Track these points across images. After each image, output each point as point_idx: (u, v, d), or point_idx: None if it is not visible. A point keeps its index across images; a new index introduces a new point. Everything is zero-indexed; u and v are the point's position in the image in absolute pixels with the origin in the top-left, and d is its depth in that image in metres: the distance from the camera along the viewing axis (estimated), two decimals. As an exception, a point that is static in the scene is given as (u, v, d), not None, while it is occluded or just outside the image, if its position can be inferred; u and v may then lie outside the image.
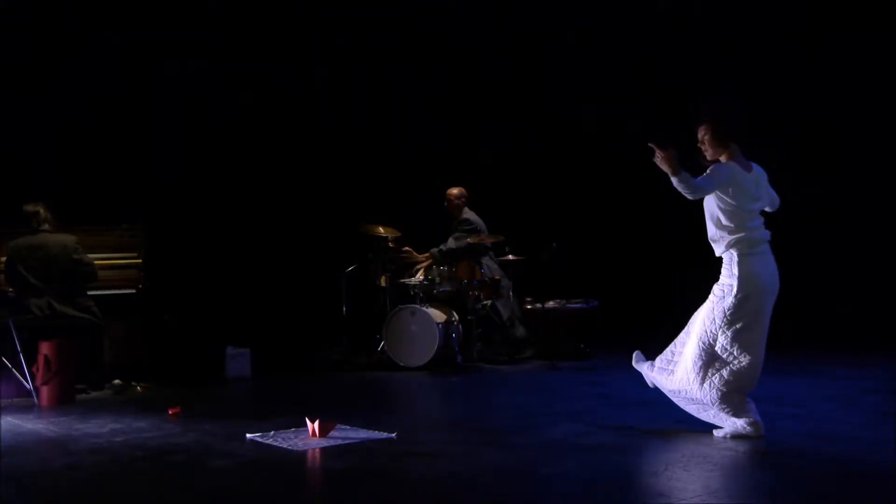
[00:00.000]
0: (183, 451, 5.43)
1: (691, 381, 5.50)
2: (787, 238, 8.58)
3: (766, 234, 5.50)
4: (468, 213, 9.51)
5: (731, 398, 5.40)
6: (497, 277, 9.25)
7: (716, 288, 5.50)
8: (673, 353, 5.69)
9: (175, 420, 6.37)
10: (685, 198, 5.45)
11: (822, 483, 4.58)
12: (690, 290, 5.99)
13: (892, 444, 5.27)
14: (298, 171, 10.95)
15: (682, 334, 5.68)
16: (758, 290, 5.38)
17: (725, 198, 5.41)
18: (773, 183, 5.63)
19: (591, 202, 11.51)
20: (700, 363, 5.47)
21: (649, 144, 5.33)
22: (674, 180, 5.33)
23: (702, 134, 5.55)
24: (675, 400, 5.68)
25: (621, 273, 11.36)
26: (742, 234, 5.40)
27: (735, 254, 5.41)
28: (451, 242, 9.24)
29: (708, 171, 5.44)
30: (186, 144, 10.38)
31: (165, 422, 6.31)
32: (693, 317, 5.62)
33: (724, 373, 5.40)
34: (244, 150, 10.68)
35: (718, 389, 5.41)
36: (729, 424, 5.43)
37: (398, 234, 9.29)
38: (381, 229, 9.21)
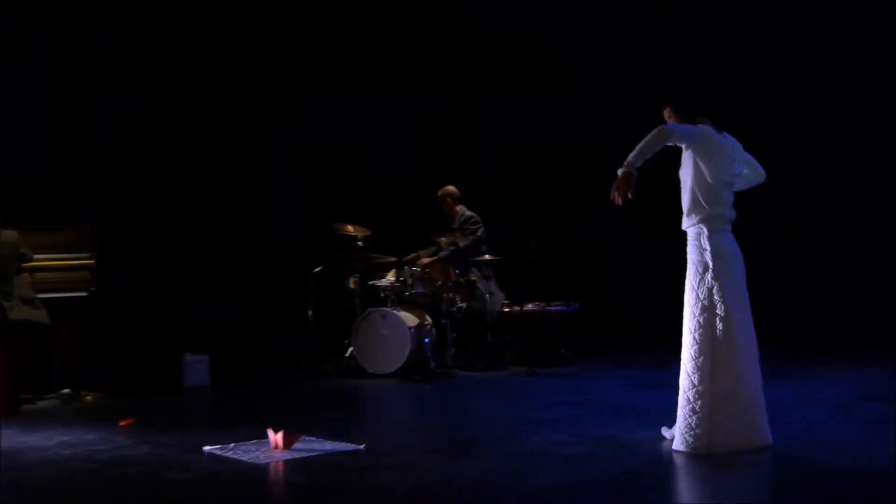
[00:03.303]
0: (136, 464, 5.42)
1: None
2: (775, 239, 8.69)
3: (734, 214, 5.62)
4: (468, 212, 9.62)
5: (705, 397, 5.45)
6: (473, 278, 9.31)
7: (688, 271, 5.58)
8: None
9: (127, 432, 6.36)
10: (669, 197, 5.57)
11: (816, 493, 4.63)
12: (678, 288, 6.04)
13: (886, 452, 5.32)
14: (262, 167, 10.93)
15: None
16: (729, 265, 5.49)
17: (704, 165, 5.51)
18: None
19: (571, 199, 11.59)
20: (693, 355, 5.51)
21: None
22: (638, 163, 5.37)
23: (667, 115, 5.72)
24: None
25: (604, 274, 11.41)
26: (717, 210, 5.52)
27: (704, 229, 5.51)
28: (450, 241, 9.32)
29: None
30: (145, 141, 10.39)
31: (117, 434, 6.30)
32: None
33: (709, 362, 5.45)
34: (203, 145, 10.67)
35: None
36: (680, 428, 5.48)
37: (368, 233, 9.32)
38: (350, 228, 9.23)
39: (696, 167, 5.54)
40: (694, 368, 5.43)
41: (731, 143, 5.67)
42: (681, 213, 5.66)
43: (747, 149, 5.78)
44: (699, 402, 5.38)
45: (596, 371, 8.82)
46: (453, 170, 10.78)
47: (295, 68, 10.94)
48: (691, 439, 5.37)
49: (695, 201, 5.55)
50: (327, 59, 11.04)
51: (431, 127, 11.37)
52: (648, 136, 5.41)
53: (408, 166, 10.96)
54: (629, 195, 5.33)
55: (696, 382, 5.41)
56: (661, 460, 5.36)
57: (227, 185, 10.75)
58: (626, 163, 5.36)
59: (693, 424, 5.37)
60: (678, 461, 5.28)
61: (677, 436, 5.46)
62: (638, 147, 5.39)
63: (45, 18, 9.71)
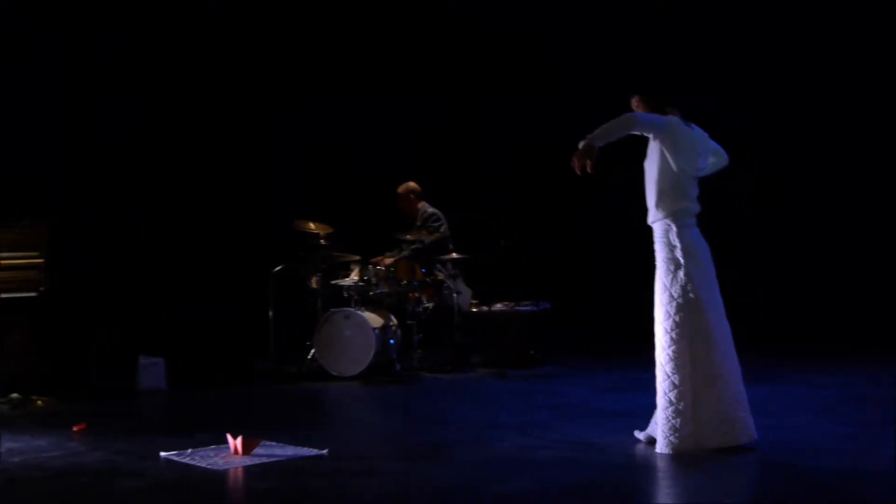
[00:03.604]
0: (89, 472, 5.32)
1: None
2: (756, 242, 8.68)
3: (699, 207, 5.59)
4: (431, 208, 9.55)
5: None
6: (440, 277, 9.22)
7: (657, 270, 5.54)
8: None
9: (80, 437, 6.24)
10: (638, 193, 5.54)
11: (800, 498, 4.59)
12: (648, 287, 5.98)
13: (871, 454, 5.31)
14: (220, 162, 10.83)
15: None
16: (700, 262, 5.47)
17: (671, 157, 5.48)
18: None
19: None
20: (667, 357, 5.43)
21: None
22: (600, 142, 5.35)
23: (635, 104, 5.69)
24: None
25: (575, 272, 11.42)
26: (684, 204, 5.49)
27: (672, 225, 5.47)
28: (415, 238, 9.23)
29: None
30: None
31: (69, 440, 6.18)
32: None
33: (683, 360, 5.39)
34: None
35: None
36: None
37: (330, 231, 9.20)
38: (311, 225, 9.12)
39: (663, 158, 5.51)
40: (673, 368, 5.37)
41: (698, 135, 5.64)
42: (645, 207, 5.63)
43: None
44: (682, 402, 5.32)
45: (567, 373, 8.79)
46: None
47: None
48: (676, 440, 5.31)
49: (661, 194, 5.52)
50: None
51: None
52: (615, 120, 5.43)
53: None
54: (588, 169, 5.29)
55: (676, 383, 5.35)
56: (635, 464, 5.32)
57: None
58: (588, 136, 5.33)
59: (678, 426, 5.32)
60: (655, 464, 5.22)
61: (660, 438, 5.38)
62: (603, 126, 5.38)
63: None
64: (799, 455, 5.36)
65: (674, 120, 5.55)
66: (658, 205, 5.52)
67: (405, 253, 9.35)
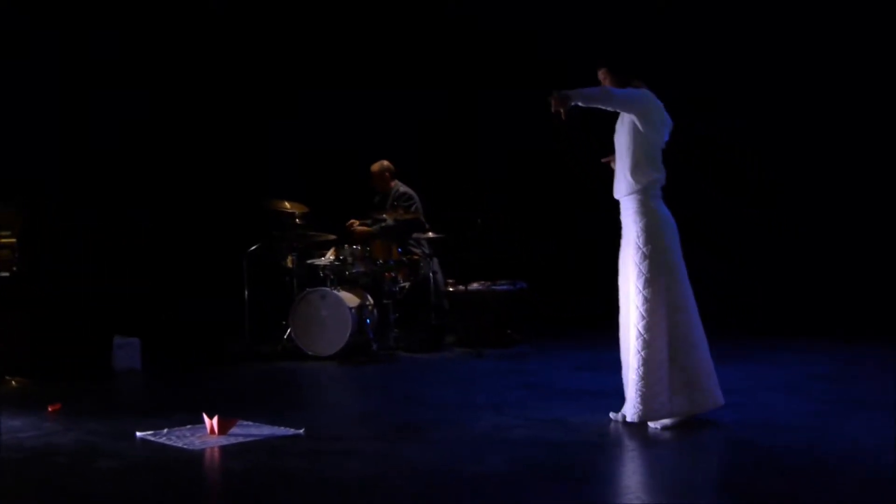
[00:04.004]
0: (65, 452, 5.32)
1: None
2: (728, 221, 8.72)
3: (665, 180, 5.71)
4: (403, 187, 9.56)
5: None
6: (416, 256, 9.24)
7: (631, 241, 5.60)
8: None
9: (55, 418, 6.23)
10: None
11: (768, 476, 4.64)
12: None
13: (840, 433, 5.40)
14: (193, 139, 10.81)
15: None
16: (670, 234, 5.58)
17: (644, 129, 5.56)
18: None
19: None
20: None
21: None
22: (579, 102, 5.47)
23: (601, 77, 5.76)
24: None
25: (551, 252, 11.45)
26: (657, 175, 5.59)
27: (644, 197, 5.56)
28: (391, 217, 9.26)
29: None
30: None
31: (45, 420, 6.17)
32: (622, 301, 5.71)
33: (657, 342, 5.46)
34: (156, 138, 10.67)
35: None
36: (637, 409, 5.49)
37: (306, 210, 9.20)
38: (287, 204, 9.11)
39: (636, 131, 5.60)
40: (646, 341, 5.44)
41: (662, 106, 5.72)
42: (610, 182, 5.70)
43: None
44: (660, 370, 5.41)
45: (544, 353, 8.84)
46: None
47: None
48: (650, 409, 5.41)
49: (637, 166, 5.59)
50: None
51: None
52: (593, 89, 5.53)
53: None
54: (562, 116, 5.44)
55: (652, 352, 5.43)
56: (610, 443, 5.38)
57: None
58: (562, 91, 5.43)
59: (651, 394, 5.42)
60: (627, 443, 5.28)
61: (632, 408, 5.47)
62: (579, 90, 5.47)
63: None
64: (767, 432, 5.43)
65: (647, 93, 5.64)
66: (633, 176, 5.58)
67: (375, 227, 9.38)
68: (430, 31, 11.33)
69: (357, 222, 9.56)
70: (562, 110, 5.45)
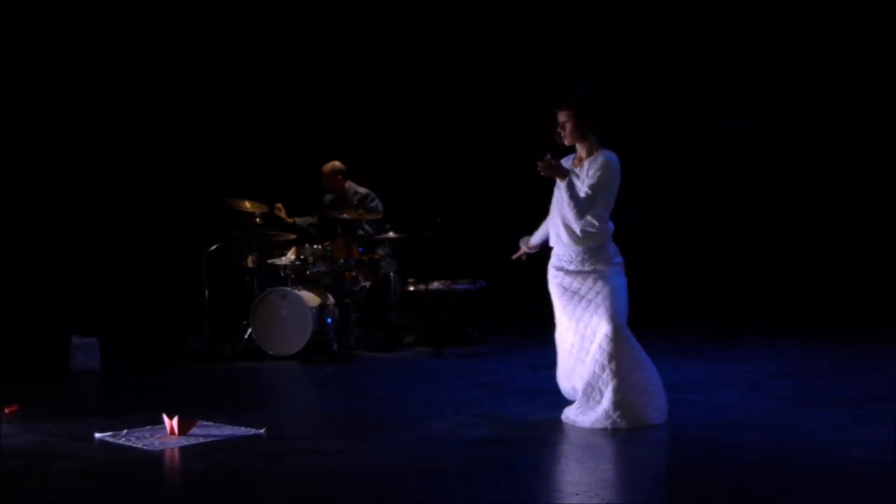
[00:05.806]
0: (21, 454, 5.31)
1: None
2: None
3: None
4: (360, 187, 9.59)
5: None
6: (377, 256, 9.28)
7: (592, 282, 5.72)
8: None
9: (11, 419, 6.18)
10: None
11: (726, 474, 4.72)
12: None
13: (798, 430, 5.50)
14: (153, 139, 10.75)
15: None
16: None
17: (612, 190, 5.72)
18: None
19: (476, 176, 11.69)
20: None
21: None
22: (562, 185, 5.66)
23: (563, 119, 5.78)
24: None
25: (510, 251, 11.50)
26: (611, 225, 5.77)
27: (612, 244, 5.74)
28: (351, 216, 9.27)
29: (599, 171, 5.66)
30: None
31: (1, 421, 6.06)
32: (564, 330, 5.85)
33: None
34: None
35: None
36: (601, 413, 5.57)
37: (265, 210, 9.21)
38: (247, 204, 9.12)
39: (608, 191, 5.72)
40: (609, 355, 5.54)
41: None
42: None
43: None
44: (626, 382, 5.52)
45: (504, 351, 8.90)
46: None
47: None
48: (611, 420, 5.48)
49: (602, 220, 5.72)
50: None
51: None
52: (581, 196, 5.63)
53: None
54: (541, 172, 5.63)
55: (617, 365, 5.53)
56: (568, 442, 5.45)
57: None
58: (561, 166, 5.68)
59: (614, 405, 5.49)
60: (583, 441, 5.36)
61: (587, 418, 5.54)
62: (571, 181, 5.66)
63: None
64: (721, 430, 5.53)
65: (616, 163, 5.71)
66: (599, 232, 5.69)
67: (360, 233, 9.40)
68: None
69: (283, 208, 9.54)
70: (544, 173, 5.62)
